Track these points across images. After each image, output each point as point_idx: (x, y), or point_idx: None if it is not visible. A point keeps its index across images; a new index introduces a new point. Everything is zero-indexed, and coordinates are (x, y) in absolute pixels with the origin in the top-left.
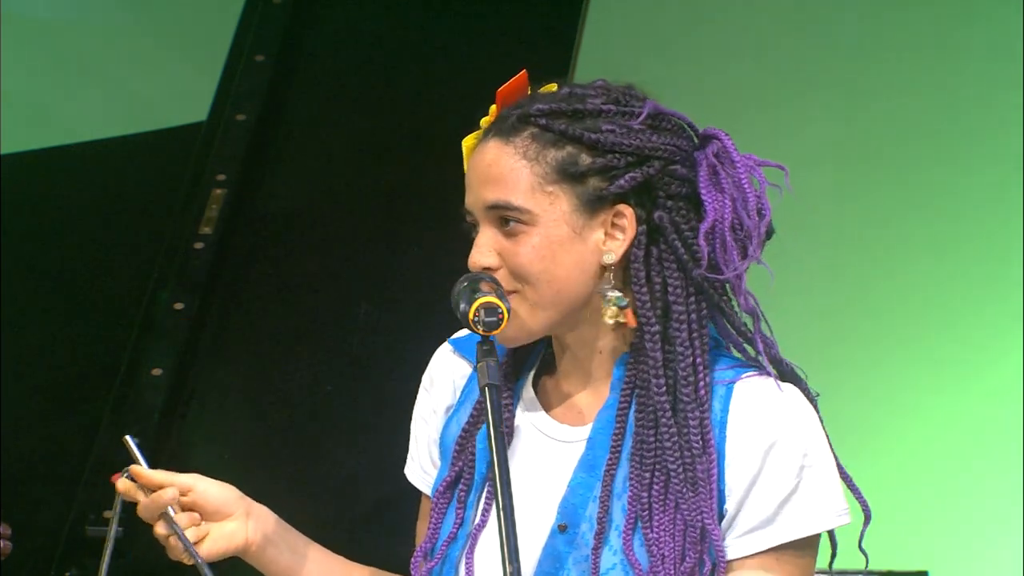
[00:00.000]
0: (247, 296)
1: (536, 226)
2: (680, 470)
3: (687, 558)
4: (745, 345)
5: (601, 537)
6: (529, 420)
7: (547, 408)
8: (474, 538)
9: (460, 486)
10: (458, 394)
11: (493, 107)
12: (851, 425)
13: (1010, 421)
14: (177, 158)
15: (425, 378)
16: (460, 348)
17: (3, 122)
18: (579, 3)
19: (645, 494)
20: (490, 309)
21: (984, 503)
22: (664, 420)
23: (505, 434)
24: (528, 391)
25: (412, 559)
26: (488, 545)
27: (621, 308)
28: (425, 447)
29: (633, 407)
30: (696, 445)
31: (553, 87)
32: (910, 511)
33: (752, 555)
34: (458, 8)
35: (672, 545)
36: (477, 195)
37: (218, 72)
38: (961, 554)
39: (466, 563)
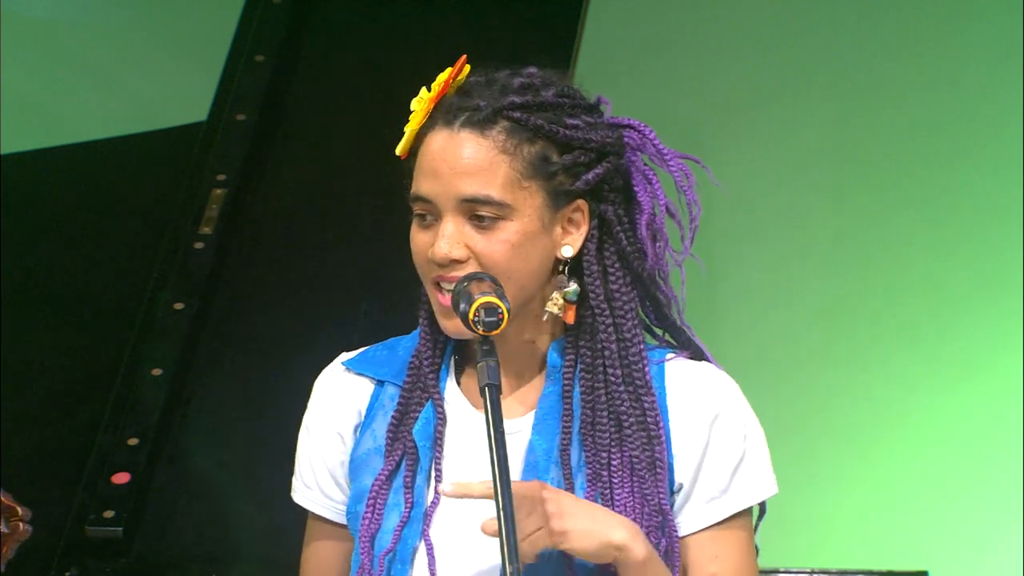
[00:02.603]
0: (247, 296)
1: (512, 220)
2: (639, 454)
3: (648, 537)
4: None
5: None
6: (460, 419)
7: (474, 404)
8: (429, 516)
9: (405, 473)
10: (363, 414)
11: (430, 92)
12: (851, 425)
13: (1010, 421)
14: (177, 158)
15: (316, 402)
16: (356, 367)
17: (3, 122)
18: (579, 3)
19: (604, 473)
20: (490, 309)
21: (984, 503)
22: (624, 408)
23: (441, 436)
24: (452, 390)
25: (360, 547)
26: (443, 523)
27: (570, 302)
28: (325, 473)
29: (577, 390)
30: (652, 428)
31: (466, 69)
32: (910, 511)
33: (708, 527)
34: (458, 8)
35: (634, 518)
36: (449, 186)
37: (218, 72)
38: (961, 554)
39: (425, 541)
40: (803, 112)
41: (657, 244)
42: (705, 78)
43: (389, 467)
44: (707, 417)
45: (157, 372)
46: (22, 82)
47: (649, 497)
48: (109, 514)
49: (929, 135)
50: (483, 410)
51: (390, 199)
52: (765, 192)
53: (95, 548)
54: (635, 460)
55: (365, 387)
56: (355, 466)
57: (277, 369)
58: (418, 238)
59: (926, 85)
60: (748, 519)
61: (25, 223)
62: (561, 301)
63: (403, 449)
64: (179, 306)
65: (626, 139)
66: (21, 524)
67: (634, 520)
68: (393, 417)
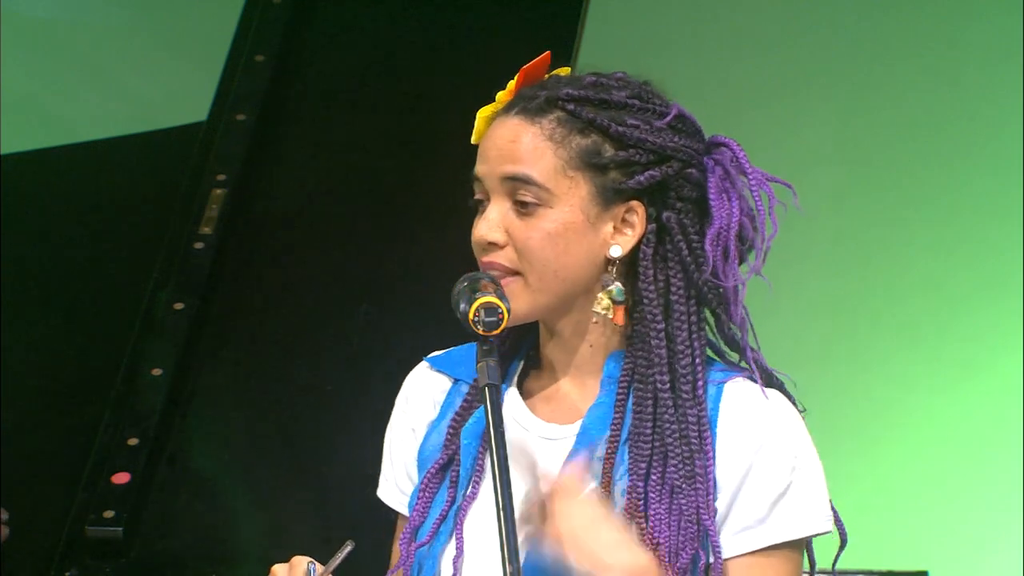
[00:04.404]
0: (247, 296)
1: (552, 208)
2: (679, 465)
3: (683, 552)
4: (730, 355)
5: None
6: (513, 419)
7: (531, 407)
8: (463, 511)
9: (452, 469)
10: (438, 408)
11: (512, 83)
12: (851, 425)
13: (1010, 421)
14: (177, 158)
15: (400, 399)
16: (439, 365)
17: (3, 122)
18: (579, 3)
19: (641, 484)
20: (490, 309)
21: (984, 503)
22: (668, 416)
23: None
24: (512, 392)
25: (400, 538)
26: (477, 517)
27: (616, 303)
28: (402, 466)
29: (630, 400)
30: (694, 441)
31: (567, 70)
32: (910, 511)
33: (742, 555)
34: (458, 8)
35: (667, 535)
36: (493, 167)
37: (218, 72)
38: (961, 554)
39: (456, 535)
40: (803, 112)
41: (728, 260)
42: (705, 78)
43: (441, 461)
44: (753, 443)
45: (157, 372)
46: (22, 82)
47: (686, 511)
48: (109, 514)
49: (929, 135)
50: (540, 413)
51: (389, 199)
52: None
53: (95, 548)
54: (675, 473)
55: (443, 384)
56: (421, 460)
57: (277, 369)
58: (474, 224)
59: (926, 85)
60: (793, 554)
61: (25, 223)
62: (606, 301)
63: (457, 446)
64: (179, 306)
65: (715, 154)
66: (2, 527)
67: (667, 536)
68: (456, 414)
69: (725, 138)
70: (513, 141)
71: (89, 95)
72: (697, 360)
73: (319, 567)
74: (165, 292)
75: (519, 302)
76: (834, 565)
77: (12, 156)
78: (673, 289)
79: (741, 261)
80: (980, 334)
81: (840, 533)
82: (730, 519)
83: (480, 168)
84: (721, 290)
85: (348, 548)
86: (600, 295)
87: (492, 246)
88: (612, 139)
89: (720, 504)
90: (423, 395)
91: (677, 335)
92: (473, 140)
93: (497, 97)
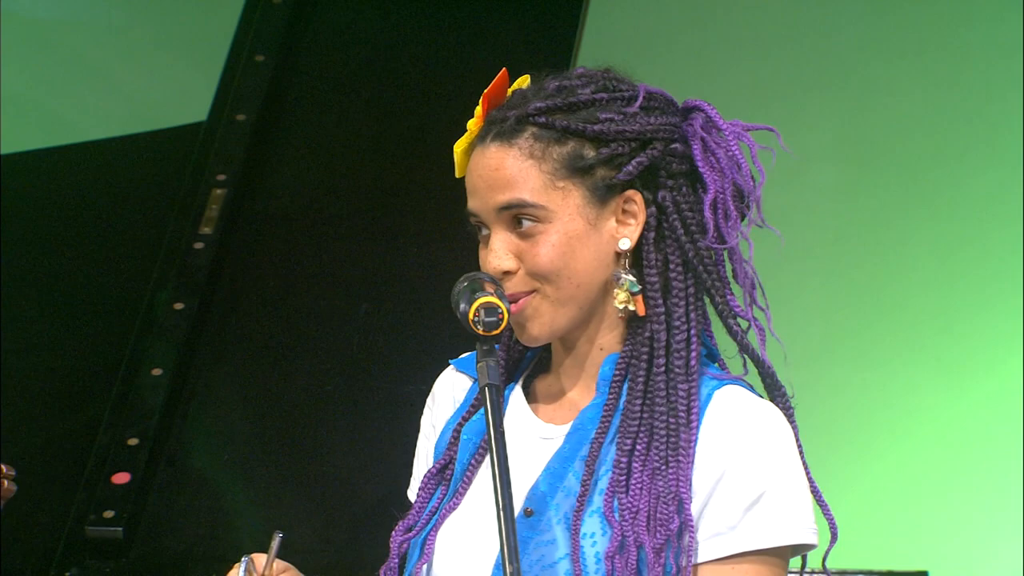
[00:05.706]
0: (247, 296)
1: (552, 223)
2: (663, 435)
3: (659, 528)
4: (722, 358)
5: (584, 499)
6: (513, 418)
7: (534, 407)
8: (441, 518)
9: (448, 470)
10: (457, 405)
11: (479, 110)
12: (852, 425)
13: (1010, 422)
14: (177, 158)
15: (428, 399)
16: (462, 367)
17: (3, 122)
18: (579, 3)
19: (625, 459)
20: (490, 309)
21: (984, 503)
22: (659, 394)
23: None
24: (517, 392)
25: (393, 532)
26: (454, 526)
27: (633, 294)
28: (424, 464)
29: (622, 401)
30: (682, 413)
31: (526, 79)
32: (910, 511)
33: (712, 560)
34: (458, 8)
35: (646, 509)
36: (485, 199)
37: (218, 72)
38: (961, 554)
39: (427, 542)
40: (803, 112)
41: (729, 221)
42: (705, 78)
43: (443, 462)
44: (729, 449)
45: (157, 372)
46: (22, 82)
47: (664, 488)
48: (109, 514)
49: (929, 135)
50: (541, 414)
51: (390, 199)
52: (765, 192)
53: (95, 548)
54: (660, 444)
55: (464, 384)
56: (435, 454)
57: (277, 369)
58: (480, 255)
59: (926, 85)
60: (767, 565)
61: (25, 223)
62: (622, 295)
63: (458, 446)
64: (179, 306)
65: (691, 121)
66: (5, 482)
67: (645, 505)
68: (463, 415)
69: (695, 100)
70: (497, 169)
71: (89, 95)
72: (692, 334)
73: (257, 563)
74: (165, 292)
75: (544, 318)
76: (824, 561)
77: (12, 156)
78: (672, 266)
79: (742, 217)
80: (980, 334)
81: (831, 530)
82: (702, 524)
83: (473, 203)
84: (719, 265)
85: (278, 539)
86: (616, 291)
87: (507, 275)
88: (590, 139)
89: (694, 508)
90: (445, 394)
91: (674, 311)
92: (457, 175)
93: (468, 127)
